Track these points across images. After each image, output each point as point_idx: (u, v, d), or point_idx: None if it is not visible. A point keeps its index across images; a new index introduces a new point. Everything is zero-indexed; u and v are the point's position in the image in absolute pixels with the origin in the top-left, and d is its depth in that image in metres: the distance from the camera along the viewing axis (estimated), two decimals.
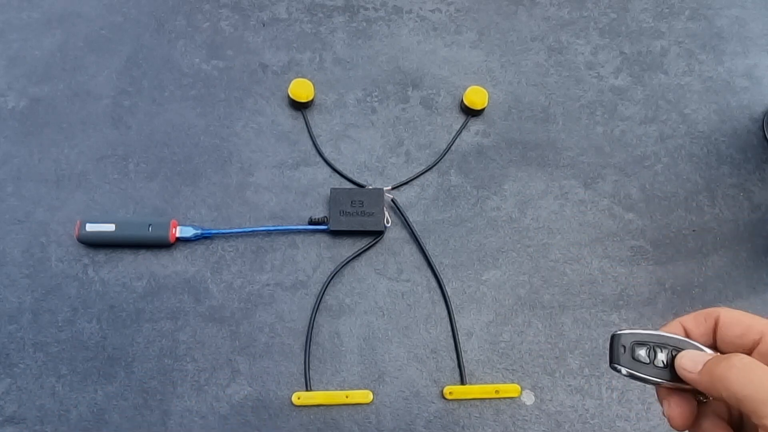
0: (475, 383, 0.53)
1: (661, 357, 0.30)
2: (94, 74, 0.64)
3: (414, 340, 0.54)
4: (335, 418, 0.51)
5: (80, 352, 0.52)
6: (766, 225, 0.61)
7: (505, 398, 0.52)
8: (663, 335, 0.30)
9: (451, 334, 0.55)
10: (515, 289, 0.57)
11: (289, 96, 0.63)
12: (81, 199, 0.58)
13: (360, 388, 0.52)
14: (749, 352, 0.28)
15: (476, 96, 0.63)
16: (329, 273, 0.56)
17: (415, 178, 0.61)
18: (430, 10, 0.70)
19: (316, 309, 0.54)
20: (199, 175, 0.60)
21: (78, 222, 0.55)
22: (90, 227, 0.55)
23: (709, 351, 0.29)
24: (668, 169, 0.63)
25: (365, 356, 0.54)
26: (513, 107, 0.65)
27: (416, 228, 0.58)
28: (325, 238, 0.58)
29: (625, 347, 0.31)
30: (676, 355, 0.29)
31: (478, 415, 0.52)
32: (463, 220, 0.59)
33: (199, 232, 0.56)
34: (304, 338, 0.54)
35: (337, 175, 0.61)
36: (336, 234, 0.58)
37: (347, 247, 0.57)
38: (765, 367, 0.25)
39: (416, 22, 0.69)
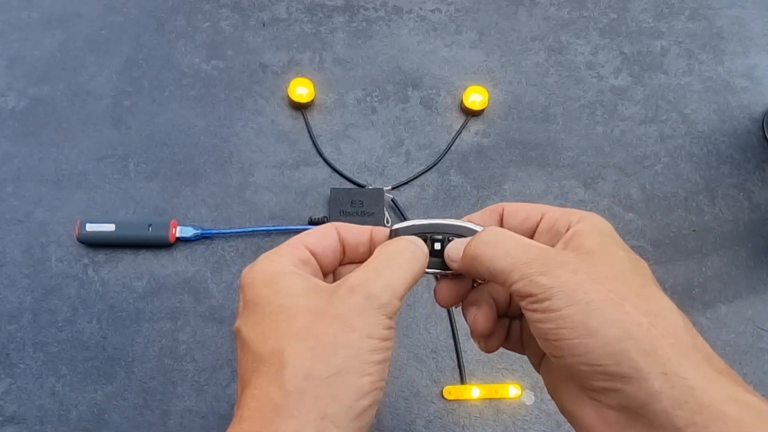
0: (475, 383, 0.53)
1: (437, 247, 0.29)
2: (94, 74, 0.64)
3: (414, 340, 0.54)
4: None
5: (80, 352, 0.52)
6: (766, 225, 0.61)
7: (505, 398, 0.52)
8: (439, 223, 0.30)
9: (451, 334, 0.55)
10: None
11: (289, 96, 0.63)
12: (81, 199, 0.58)
13: None
14: (533, 234, 0.29)
15: (476, 96, 0.63)
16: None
17: (415, 178, 0.61)
18: (430, 10, 0.70)
19: None
20: (199, 175, 0.60)
21: (78, 222, 0.55)
22: (90, 227, 0.55)
23: (479, 229, 0.29)
24: (668, 169, 0.63)
25: None
26: (513, 107, 0.65)
27: None
28: None
29: None
30: (452, 240, 0.29)
31: (478, 415, 0.52)
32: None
33: (199, 232, 0.56)
34: None
35: (337, 175, 0.61)
36: None
37: None
38: (512, 235, 0.27)
39: (416, 22, 0.69)
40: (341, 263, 0.31)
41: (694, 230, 0.61)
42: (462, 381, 0.53)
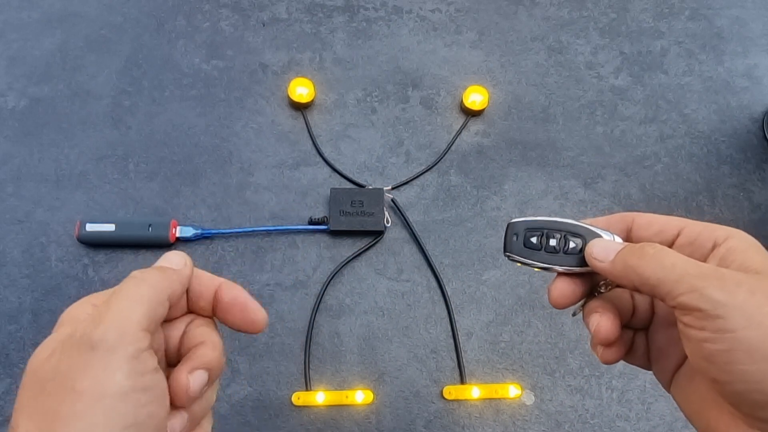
0: (475, 383, 0.53)
1: (553, 243, 0.29)
2: (94, 74, 0.64)
3: (414, 340, 0.54)
4: (335, 418, 0.51)
5: None
6: (766, 225, 0.61)
7: (505, 398, 0.52)
8: (557, 221, 0.29)
9: (451, 334, 0.55)
10: (515, 289, 0.57)
11: (289, 96, 0.63)
12: (81, 199, 0.58)
13: (360, 388, 0.52)
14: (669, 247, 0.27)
15: (476, 96, 0.63)
16: (329, 273, 0.56)
17: (415, 178, 0.61)
18: (430, 10, 0.70)
19: (316, 309, 0.54)
20: (199, 175, 0.60)
21: (78, 222, 0.55)
22: (90, 227, 0.55)
23: (612, 237, 0.28)
24: (668, 169, 0.63)
25: (365, 356, 0.54)
26: (513, 107, 0.65)
27: (416, 228, 0.58)
28: (325, 238, 0.58)
29: (517, 235, 0.30)
30: (569, 240, 0.28)
31: (478, 415, 0.52)
32: (463, 220, 0.59)
33: (199, 232, 0.56)
34: (304, 338, 0.54)
35: (337, 175, 0.61)
36: (336, 234, 0.58)
37: (347, 247, 0.57)
38: (677, 253, 0.25)
39: (416, 22, 0.69)
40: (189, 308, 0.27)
41: None
42: (462, 381, 0.53)
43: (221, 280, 0.27)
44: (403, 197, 0.60)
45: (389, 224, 0.58)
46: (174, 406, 0.23)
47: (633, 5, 0.72)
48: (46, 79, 0.63)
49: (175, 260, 0.26)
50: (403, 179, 0.60)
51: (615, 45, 0.70)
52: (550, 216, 0.29)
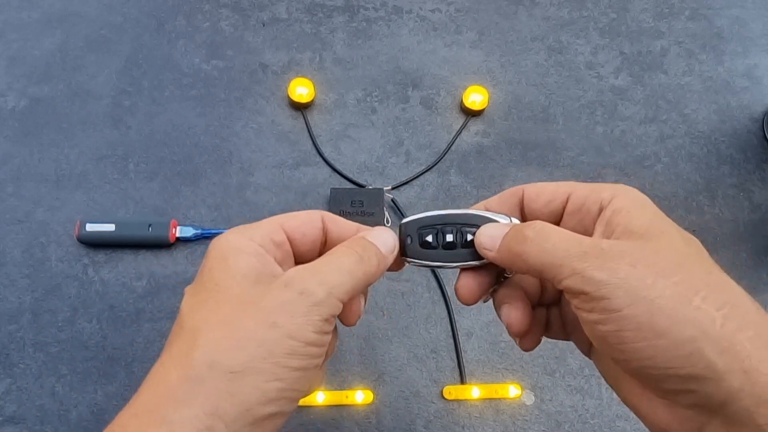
0: (475, 383, 0.53)
1: (449, 238, 0.27)
2: (94, 74, 0.64)
3: (414, 340, 0.54)
4: (335, 418, 0.51)
5: (80, 352, 0.52)
6: (766, 225, 0.61)
7: (505, 398, 0.52)
8: (449, 213, 0.28)
9: (451, 334, 0.55)
10: None
11: (289, 96, 0.63)
12: (81, 199, 0.58)
13: (360, 388, 0.52)
14: (560, 216, 0.27)
15: (476, 96, 0.63)
16: None
17: (415, 178, 0.61)
18: (430, 10, 0.70)
19: None
20: (199, 175, 0.60)
21: (78, 222, 0.55)
22: (90, 227, 0.55)
23: (502, 219, 0.27)
24: (668, 169, 0.63)
25: (365, 356, 0.54)
26: (513, 107, 0.65)
27: None
28: None
29: (411, 237, 0.28)
30: (465, 233, 0.27)
31: (478, 415, 0.52)
32: None
33: (199, 232, 0.56)
34: None
35: (337, 175, 0.61)
36: None
37: None
38: (559, 230, 0.24)
39: (416, 22, 0.69)
40: (321, 254, 0.29)
41: (694, 230, 0.61)
42: (462, 381, 0.53)
43: (357, 225, 0.29)
44: (403, 197, 0.60)
45: (389, 224, 0.58)
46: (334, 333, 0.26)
47: (633, 5, 0.72)
48: (46, 79, 0.63)
49: (389, 243, 0.27)
50: (403, 179, 0.60)
51: (615, 45, 0.70)
52: (443, 209, 0.28)
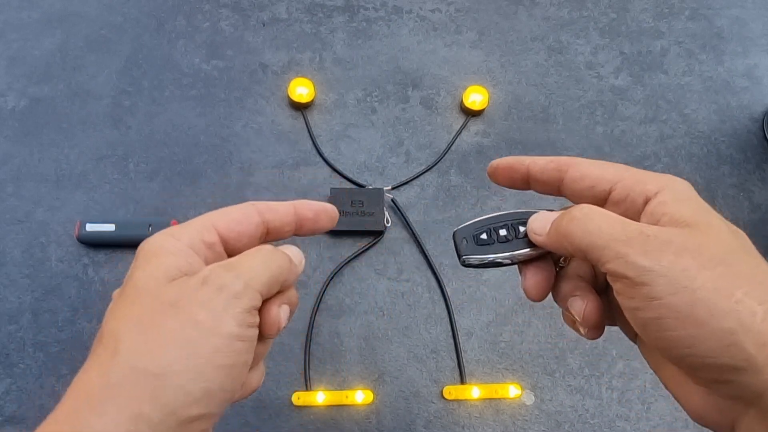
0: (475, 383, 0.53)
1: (503, 233, 0.28)
2: (94, 74, 0.64)
3: (414, 340, 0.54)
4: (335, 418, 0.51)
5: (80, 352, 0.52)
6: (766, 225, 0.61)
7: (505, 398, 0.52)
8: (500, 214, 0.29)
9: (451, 334, 0.55)
10: (515, 289, 0.57)
11: (289, 96, 0.63)
12: (81, 199, 0.58)
13: (360, 388, 0.52)
14: (603, 202, 0.26)
15: (476, 96, 0.63)
16: (329, 273, 0.56)
17: (415, 178, 0.61)
18: (430, 10, 0.70)
19: (316, 309, 0.54)
20: (199, 175, 0.60)
21: (78, 222, 0.55)
22: (90, 227, 0.55)
23: (558, 211, 0.27)
24: (668, 169, 0.63)
25: (365, 356, 0.54)
26: (513, 107, 0.65)
27: (416, 228, 0.58)
28: (325, 238, 0.58)
29: (466, 239, 0.30)
30: (518, 226, 0.28)
31: (478, 415, 0.52)
32: (463, 221, 0.59)
33: None
34: (304, 338, 0.54)
35: (337, 175, 0.61)
36: (336, 234, 0.58)
37: (347, 247, 0.57)
38: (605, 212, 0.24)
39: (416, 22, 0.69)
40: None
41: None
42: (462, 381, 0.53)
43: (292, 201, 0.29)
44: (403, 197, 0.60)
45: (389, 224, 0.58)
46: (259, 339, 0.25)
47: (633, 5, 0.72)
48: (46, 79, 0.63)
49: (297, 255, 0.28)
50: (403, 179, 0.60)
51: (615, 45, 0.70)
52: (491, 213, 0.29)
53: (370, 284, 0.56)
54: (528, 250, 0.28)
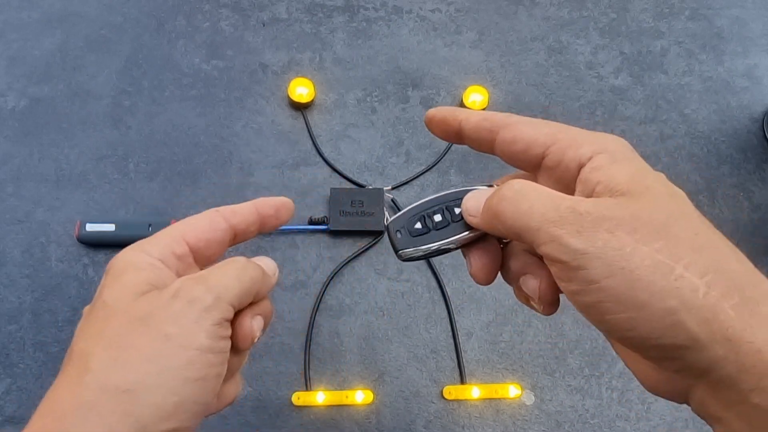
0: (475, 383, 0.53)
1: (438, 218, 0.27)
2: (94, 74, 0.64)
3: (414, 340, 0.54)
4: (335, 418, 0.51)
5: None
6: (766, 225, 0.61)
7: (505, 398, 0.52)
8: (433, 197, 0.27)
9: (451, 334, 0.55)
10: None
11: (289, 96, 0.63)
12: (81, 199, 0.58)
13: (360, 388, 0.52)
14: (537, 168, 0.25)
15: (476, 96, 0.63)
16: (329, 273, 0.56)
17: (415, 178, 0.61)
18: (430, 10, 0.70)
19: (316, 309, 0.54)
20: (199, 175, 0.60)
21: (78, 222, 0.55)
22: (90, 227, 0.55)
23: (492, 187, 0.25)
24: (668, 169, 0.63)
25: (365, 356, 0.54)
26: (513, 107, 0.65)
27: None
28: (325, 238, 0.58)
29: (400, 231, 0.28)
30: (453, 208, 0.26)
31: (478, 415, 0.52)
32: None
33: None
34: (304, 338, 0.54)
35: (337, 175, 0.61)
36: (336, 234, 0.58)
37: (347, 247, 0.57)
38: (538, 188, 0.22)
39: (416, 22, 0.69)
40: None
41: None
42: (462, 381, 0.53)
43: (252, 201, 0.28)
44: (403, 197, 0.60)
45: (387, 223, 0.58)
46: (234, 351, 0.25)
47: (633, 5, 0.72)
48: (46, 79, 0.63)
49: (271, 266, 0.28)
50: (403, 179, 0.60)
51: (615, 45, 0.70)
52: (422, 199, 0.27)
53: (370, 284, 0.56)
54: (466, 233, 0.26)
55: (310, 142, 0.62)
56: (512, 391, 0.52)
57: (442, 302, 0.56)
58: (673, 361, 0.20)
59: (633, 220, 0.20)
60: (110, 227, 0.55)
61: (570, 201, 0.21)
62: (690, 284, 0.19)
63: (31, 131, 0.61)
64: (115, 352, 0.21)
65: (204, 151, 0.61)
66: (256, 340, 0.26)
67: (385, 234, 0.58)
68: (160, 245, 0.25)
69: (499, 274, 0.27)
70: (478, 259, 0.26)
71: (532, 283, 0.25)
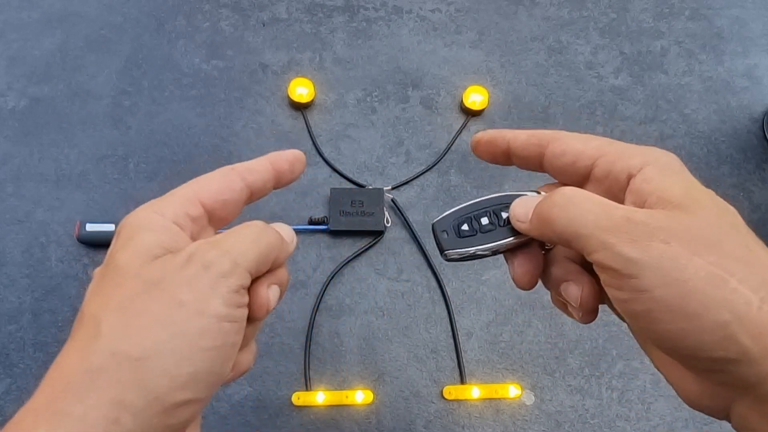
0: (475, 383, 0.53)
1: (485, 221, 0.27)
2: (94, 74, 0.64)
3: (414, 340, 0.54)
4: (335, 418, 0.51)
5: None
6: (766, 225, 0.61)
7: (505, 398, 0.52)
8: (480, 200, 0.27)
9: (451, 334, 0.55)
10: (515, 289, 0.56)
11: (289, 96, 0.63)
12: (81, 199, 0.58)
13: (360, 388, 0.52)
14: (584, 180, 0.25)
15: (476, 96, 0.63)
16: (329, 273, 0.56)
17: (415, 178, 0.61)
18: (430, 10, 0.70)
19: (316, 309, 0.54)
20: (198, 175, 0.60)
21: (78, 222, 0.55)
22: (90, 227, 0.55)
23: (539, 194, 0.26)
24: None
25: (365, 356, 0.54)
26: (513, 107, 0.65)
27: (416, 228, 0.58)
28: (325, 238, 0.58)
29: (447, 231, 0.27)
30: (500, 212, 0.26)
31: (478, 415, 0.52)
32: None
33: None
34: (304, 338, 0.54)
35: (337, 175, 0.61)
36: (336, 234, 0.58)
37: (347, 247, 0.57)
38: (589, 196, 0.22)
39: (416, 22, 0.69)
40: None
41: None
42: (462, 381, 0.53)
43: (266, 156, 0.27)
44: (403, 197, 0.60)
45: (389, 224, 0.58)
46: (250, 321, 0.24)
47: (633, 5, 0.72)
48: (46, 79, 0.63)
49: (288, 233, 0.27)
50: (403, 179, 0.60)
51: (615, 45, 0.70)
52: (470, 200, 0.27)
53: (370, 284, 0.56)
54: (513, 238, 0.26)
55: (310, 142, 0.62)
56: (512, 391, 0.52)
57: (442, 302, 0.56)
58: (721, 374, 0.20)
59: (687, 233, 0.20)
60: (110, 227, 0.55)
61: (623, 210, 0.21)
62: (744, 298, 0.19)
63: (31, 131, 0.61)
64: (127, 318, 0.20)
65: (204, 151, 0.61)
66: (271, 309, 0.25)
67: (384, 235, 0.58)
68: (175, 205, 0.24)
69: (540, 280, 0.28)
70: (522, 265, 0.26)
71: (573, 291, 0.25)
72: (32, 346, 0.52)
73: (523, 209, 0.25)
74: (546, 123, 0.65)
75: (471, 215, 0.27)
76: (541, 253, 0.27)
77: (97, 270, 0.23)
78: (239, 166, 0.27)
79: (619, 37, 0.70)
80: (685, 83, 0.68)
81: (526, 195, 0.26)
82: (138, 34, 0.67)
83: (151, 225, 0.23)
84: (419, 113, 0.64)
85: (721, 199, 0.22)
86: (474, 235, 0.27)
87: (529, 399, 0.53)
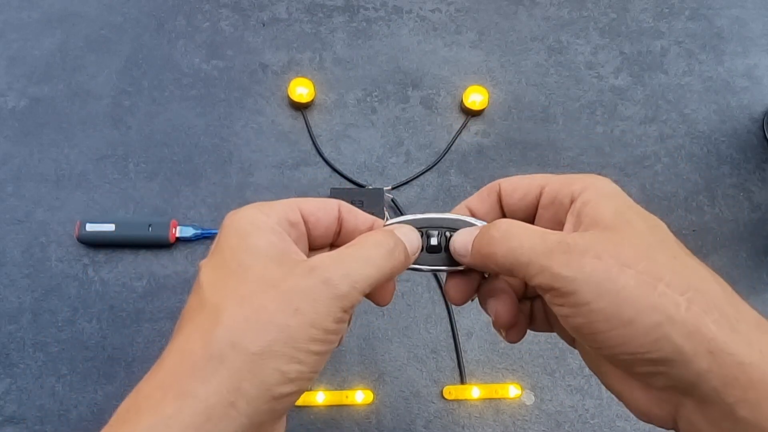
0: (475, 383, 0.53)
1: (433, 241, 0.27)
2: (94, 74, 0.64)
3: (414, 340, 0.54)
4: (335, 418, 0.51)
5: (80, 352, 0.52)
6: (766, 225, 0.61)
7: (505, 398, 0.52)
8: (434, 217, 0.28)
9: (451, 334, 0.55)
10: None
11: (289, 96, 0.63)
12: (81, 199, 0.58)
13: (360, 388, 0.52)
14: (535, 210, 0.27)
15: (476, 96, 0.63)
16: None
17: (415, 178, 0.61)
18: (430, 10, 0.70)
19: None
20: (199, 175, 0.60)
21: (78, 222, 0.55)
22: (90, 227, 0.55)
23: (478, 223, 0.27)
24: (668, 169, 0.63)
25: (365, 356, 0.54)
26: (513, 107, 0.65)
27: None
28: None
29: None
30: (450, 236, 0.27)
31: (478, 415, 0.52)
32: None
33: (199, 232, 0.56)
34: None
35: (337, 175, 0.61)
36: None
37: None
38: (523, 226, 0.24)
39: (416, 22, 0.69)
40: (333, 243, 0.29)
41: (694, 230, 0.61)
42: (462, 381, 0.53)
43: (373, 218, 0.29)
44: (403, 197, 0.60)
45: (386, 221, 0.58)
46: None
47: (633, 5, 0.72)
48: (46, 79, 0.63)
49: (414, 245, 0.27)
50: (403, 179, 0.60)
51: (615, 45, 0.70)
52: (425, 212, 0.28)
53: None
54: (456, 267, 0.27)
55: (310, 142, 0.62)
56: (512, 391, 0.52)
57: (442, 302, 0.56)
58: (660, 375, 0.21)
59: (616, 249, 0.22)
60: (110, 227, 0.55)
61: (557, 235, 0.24)
62: (672, 300, 0.21)
63: (31, 131, 0.61)
64: (247, 312, 0.22)
65: (204, 151, 0.61)
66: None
67: None
68: (277, 208, 0.26)
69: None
70: (457, 285, 0.28)
71: (491, 305, 0.27)
72: (32, 346, 0.52)
73: (463, 245, 0.26)
74: (546, 123, 0.65)
75: (422, 230, 0.28)
76: (480, 276, 0.29)
77: (207, 262, 0.25)
78: (342, 202, 0.29)
79: (619, 37, 0.70)
80: (685, 83, 0.68)
81: (467, 228, 0.27)
82: (138, 34, 0.67)
83: (261, 225, 0.25)
84: (419, 113, 0.64)
85: (653, 216, 0.25)
86: (420, 251, 0.28)
87: (529, 399, 0.53)
